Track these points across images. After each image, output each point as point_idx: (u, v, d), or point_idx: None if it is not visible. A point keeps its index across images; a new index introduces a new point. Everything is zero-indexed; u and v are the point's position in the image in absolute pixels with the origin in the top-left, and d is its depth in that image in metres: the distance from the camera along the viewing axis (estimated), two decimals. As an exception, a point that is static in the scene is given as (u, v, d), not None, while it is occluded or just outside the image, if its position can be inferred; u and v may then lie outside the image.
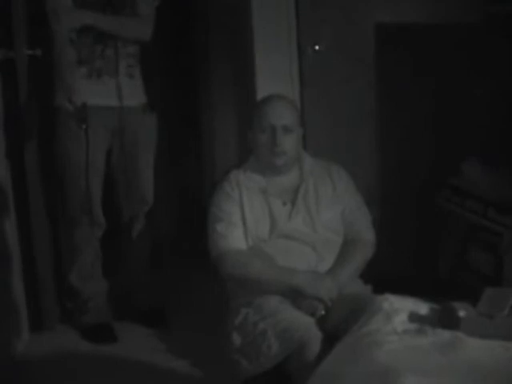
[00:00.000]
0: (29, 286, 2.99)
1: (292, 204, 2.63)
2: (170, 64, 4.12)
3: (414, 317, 1.99)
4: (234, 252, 2.58)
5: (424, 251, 3.29)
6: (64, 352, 2.89)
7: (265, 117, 2.60)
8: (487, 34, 3.18)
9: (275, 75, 3.15)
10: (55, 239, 3.16)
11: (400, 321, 1.98)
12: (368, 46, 3.24)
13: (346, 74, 3.25)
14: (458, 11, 3.21)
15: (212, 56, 3.81)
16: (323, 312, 2.43)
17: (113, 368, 2.77)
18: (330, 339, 2.15)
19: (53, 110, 2.91)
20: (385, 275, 2.86)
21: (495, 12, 3.14)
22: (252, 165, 2.71)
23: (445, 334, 1.88)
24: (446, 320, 1.94)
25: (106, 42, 2.88)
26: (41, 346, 2.94)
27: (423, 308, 2.05)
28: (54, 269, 3.14)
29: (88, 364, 2.81)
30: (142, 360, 2.78)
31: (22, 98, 2.83)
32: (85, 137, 2.83)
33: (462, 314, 1.91)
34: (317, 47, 3.20)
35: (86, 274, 3.10)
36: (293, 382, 2.24)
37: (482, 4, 3.20)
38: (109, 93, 2.91)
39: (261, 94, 2.96)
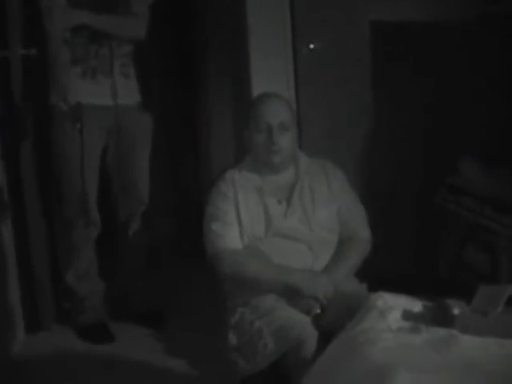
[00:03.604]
0: (25, 286, 2.99)
1: (287, 203, 2.63)
2: (167, 64, 4.12)
3: (408, 314, 1.99)
4: (230, 251, 2.57)
5: (424, 250, 3.28)
6: (61, 352, 2.89)
7: (261, 116, 2.60)
8: (486, 33, 3.18)
9: (271, 75, 3.16)
10: (51, 239, 3.15)
11: (394, 318, 1.97)
12: (365, 45, 3.24)
13: (343, 73, 3.25)
14: (456, 10, 3.21)
15: (210, 56, 3.81)
16: (318, 310, 2.43)
17: (110, 368, 2.77)
18: (326, 337, 2.15)
19: (48, 109, 2.91)
20: (384, 274, 2.86)
21: (494, 11, 3.14)
22: (248, 164, 2.71)
23: (439, 332, 1.87)
24: (440, 317, 1.93)
25: (101, 42, 2.88)
26: (37, 347, 2.95)
27: (417, 306, 2.04)
28: (51, 269, 3.14)
29: (85, 364, 2.82)
30: (139, 360, 2.78)
31: (17, 98, 2.83)
32: (79, 136, 2.84)
33: (456, 311, 1.90)
34: (311, 46, 3.20)
35: (82, 274, 3.10)
36: (290, 380, 2.23)
37: (481, 3, 3.19)
38: (103, 92, 2.90)
39: (256, 94, 2.95)
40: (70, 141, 2.87)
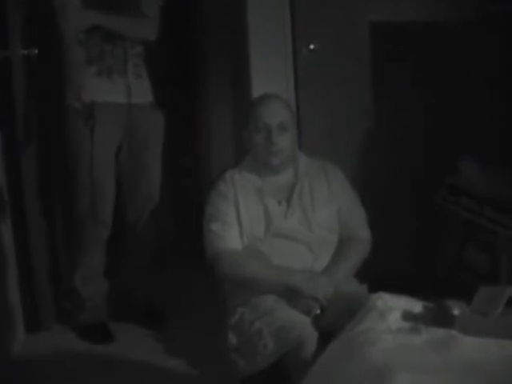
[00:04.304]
0: (25, 286, 2.98)
1: (287, 203, 2.63)
2: (167, 64, 4.12)
3: (408, 315, 1.98)
4: (230, 252, 2.57)
5: (424, 250, 3.28)
6: (61, 352, 2.88)
7: (260, 116, 2.60)
8: (486, 33, 3.18)
9: (271, 75, 3.16)
10: (51, 239, 3.15)
11: (394, 319, 1.97)
12: (365, 46, 3.24)
13: (343, 73, 3.25)
14: (456, 10, 3.21)
15: (210, 56, 3.81)
16: (318, 311, 2.43)
17: (110, 368, 2.76)
18: (326, 337, 2.15)
19: (62, 109, 2.92)
20: (384, 275, 2.86)
21: (494, 11, 3.14)
22: (248, 164, 2.71)
23: (439, 332, 1.87)
24: (440, 318, 1.93)
25: (115, 42, 2.90)
26: (37, 347, 2.94)
27: (417, 306, 2.03)
28: (51, 269, 3.14)
29: (85, 364, 2.81)
30: (139, 360, 2.77)
31: (18, 98, 2.83)
32: (90, 133, 2.85)
33: (456, 312, 1.90)
34: (312, 46, 3.20)
35: (90, 276, 3.10)
36: (290, 380, 2.23)
37: (481, 3, 3.19)
38: (118, 91, 2.93)
39: (256, 94, 2.96)
40: (82, 139, 2.88)
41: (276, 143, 2.58)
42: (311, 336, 2.24)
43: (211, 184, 2.77)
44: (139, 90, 3.00)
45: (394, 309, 2.01)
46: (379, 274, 2.74)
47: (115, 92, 2.92)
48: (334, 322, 2.26)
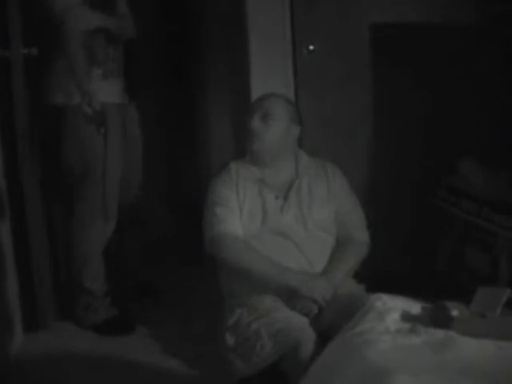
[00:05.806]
0: (24, 285, 2.98)
1: (284, 199, 2.63)
2: (167, 64, 4.13)
3: (406, 316, 1.99)
4: (230, 236, 2.57)
5: (422, 251, 3.28)
6: (59, 352, 2.87)
7: (251, 108, 2.67)
8: (487, 34, 3.18)
9: (271, 75, 3.16)
10: (51, 238, 3.15)
11: (393, 320, 1.97)
12: (365, 46, 3.24)
13: (343, 74, 3.25)
14: (456, 12, 3.21)
15: (209, 56, 3.81)
16: (317, 312, 2.43)
17: (109, 368, 2.76)
18: (324, 338, 2.15)
19: (69, 109, 2.91)
20: (383, 275, 2.87)
21: (495, 13, 3.14)
22: (247, 160, 2.72)
23: (437, 334, 1.88)
24: (438, 319, 1.94)
25: (116, 44, 2.92)
26: (35, 346, 2.93)
27: (416, 307, 2.04)
28: (51, 268, 3.14)
29: (84, 364, 2.80)
30: (137, 359, 2.77)
31: (18, 98, 2.83)
32: (103, 140, 2.87)
33: (454, 313, 1.91)
34: (311, 47, 3.21)
35: (97, 274, 3.10)
36: (288, 381, 2.24)
37: (481, 5, 3.19)
38: (116, 92, 2.97)
39: (256, 94, 2.97)
40: (92, 142, 2.90)
41: (253, 127, 2.60)
42: (309, 337, 2.25)
43: (213, 176, 2.78)
44: (124, 90, 3.04)
45: (392, 310, 2.02)
46: (378, 274, 2.74)
47: (114, 93, 2.95)
48: (332, 322, 2.27)
